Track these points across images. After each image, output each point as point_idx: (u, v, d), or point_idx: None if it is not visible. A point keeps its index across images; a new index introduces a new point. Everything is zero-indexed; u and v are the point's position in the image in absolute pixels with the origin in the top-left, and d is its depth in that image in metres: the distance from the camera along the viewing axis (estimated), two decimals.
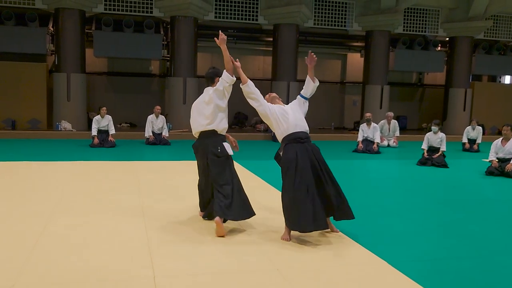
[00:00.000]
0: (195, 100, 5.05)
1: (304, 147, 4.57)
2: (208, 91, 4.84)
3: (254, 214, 4.72)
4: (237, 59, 4.86)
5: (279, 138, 4.70)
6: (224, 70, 4.77)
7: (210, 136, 4.71)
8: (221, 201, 4.49)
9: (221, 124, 4.75)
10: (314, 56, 4.84)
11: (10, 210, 5.15)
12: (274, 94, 5.25)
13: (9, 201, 5.55)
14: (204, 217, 5.04)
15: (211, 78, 4.91)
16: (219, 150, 4.64)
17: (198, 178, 4.98)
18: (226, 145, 4.76)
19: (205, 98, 4.81)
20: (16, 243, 4.04)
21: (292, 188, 4.36)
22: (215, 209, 4.51)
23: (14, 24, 13.70)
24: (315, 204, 4.30)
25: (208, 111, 4.72)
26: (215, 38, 4.75)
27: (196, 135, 4.85)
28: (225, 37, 4.70)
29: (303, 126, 4.76)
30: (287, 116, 4.72)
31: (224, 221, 4.59)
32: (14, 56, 14.26)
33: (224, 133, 4.84)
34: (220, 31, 4.87)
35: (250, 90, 4.77)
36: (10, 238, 4.19)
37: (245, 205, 4.68)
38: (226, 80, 4.74)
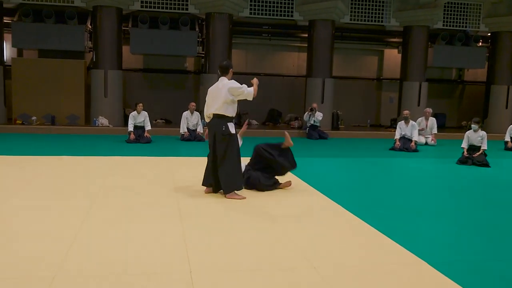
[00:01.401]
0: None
1: None
2: (223, 80, 5.68)
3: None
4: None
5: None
6: (252, 89, 5.67)
7: (219, 117, 5.64)
8: (226, 178, 5.61)
9: (228, 111, 5.65)
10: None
11: (50, 204, 5.25)
12: None
13: (48, 195, 5.67)
14: (204, 185, 5.92)
15: (226, 69, 5.74)
16: (223, 129, 5.57)
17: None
18: (230, 125, 5.64)
19: (220, 88, 5.64)
20: (56, 236, 4.10)
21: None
22: (223, 187, 5.66)
23: (54, 22, 14.05)
24: None
25: (220, 100, 5.60)
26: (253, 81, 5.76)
27: (210, 116, 5.75)
28: (257, 81, 5.77)
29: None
30: None
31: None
32: (53, 53, 14.65)
33: (232, 115, 5.71)
34: (255, 78, 5.84)
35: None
36: (51, 231, 4.26)
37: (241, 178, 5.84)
38: (247, 96, 5.66)
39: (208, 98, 5.80)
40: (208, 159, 5.87)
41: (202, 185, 5.95)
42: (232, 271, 3.47)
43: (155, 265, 3.51)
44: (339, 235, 4.42)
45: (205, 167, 5.95)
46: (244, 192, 5.86)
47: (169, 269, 3.46)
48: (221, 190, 5.77)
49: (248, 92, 5.60)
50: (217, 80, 5.83)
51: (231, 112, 5.66)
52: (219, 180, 5.69)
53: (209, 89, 5.85)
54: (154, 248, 3.87)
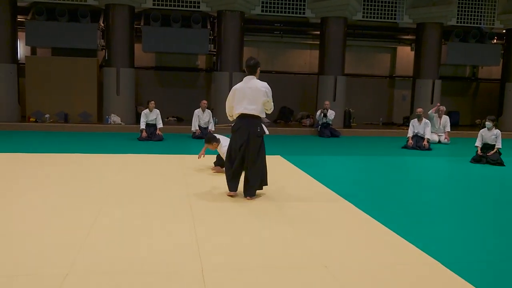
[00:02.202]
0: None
1: None
2: (254, 80, 5.47)
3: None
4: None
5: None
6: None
7: (255, 118, 5.48)
8: (255, 180, 5.47)
9: (263, 112, 5.54)
10: None
11: (62, 201, 5.29)
12: None
13: (61, 192, 5.71)
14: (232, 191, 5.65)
15: (255, 67, 5.51)
16: (259, 130, 5.44)
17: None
18: (263, 125, 5.54)
19: (258, 88, 5.43)
20: (69, 233, 4.13)
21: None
22: (249, 189, 5.49)
23: (67, 20, 14.15)
24: None
25: (260, 101, 5.42)
26: None
27: (235, 116, 5.55)
28: None
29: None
30: None
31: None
32: (66, 51, 14.75)
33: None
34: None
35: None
36: (64, 228, 4.29)
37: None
38: (270, 107, 5.55)
39: (237, 98, 5.49)
40: (231, 164, 5.54)
41: (230, 191, 5.62)
42: (243, 270, 3.46)
43: (167, 264, 3.51)
44: (350, 234, 4.39)
45: (225, 174, 5.71)
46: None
47: (181, 267, 3.46)
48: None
49: (272, 105, 5.51)
50: (238, 79, 5.76)
51: (264, 113, 5.55)
52: (246, 180, 5.52)
53: (237, 88, 5.54)
54: (166, 246, 3.88)
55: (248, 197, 5.49)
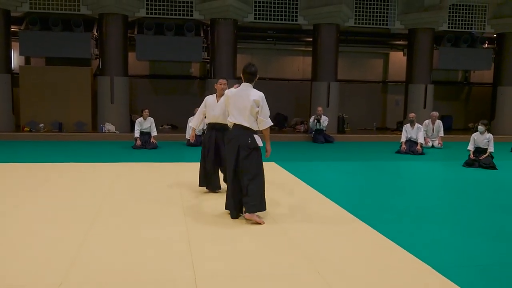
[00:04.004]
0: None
1: None
2: (250, 89, 5.02)
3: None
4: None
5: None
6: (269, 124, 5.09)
7: (244, 129, 5.01)
8: (255, 197, 4.92)
9: (254, 124, 5.04)
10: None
11: (57, 210, 5.30)
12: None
13: (55, 202, 5.72)
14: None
15: (254, 75, 5.09)
16: (249, 142, 4.95)
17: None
18: (256, 137, 5.04)
19: (249, 96, 4.97)
20: (63, 243, 4.14)
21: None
22: (249, 205, 4.92)
23: (60, 30, 14.18)
24: None
25: (247, 111, 4.97)
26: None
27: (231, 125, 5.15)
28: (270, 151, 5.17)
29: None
30: None
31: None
32: (60, 60, 14.78)
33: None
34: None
35: None
36: (57, 238, 4.30)
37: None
38: (265, 124, 5.03)
39: (230, 104, 5.10)
40: (228, 176, 5.12)
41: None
42: (237, 278, 3.48)
43: (160, 272, 3.53)
44: (343, 239, 4.42)
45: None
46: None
47: (174, 276, 3.49)
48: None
49: (265, 121, 4.99)
50: (232, 86, 5.38)
51: (255, 125, 5.04)
52: (244, 198, 4.97)
53: (229, 96, 5.13)
54: (160, 255, 3.90)
55: (245, 214, 5.01)
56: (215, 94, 6.32)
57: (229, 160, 5.04)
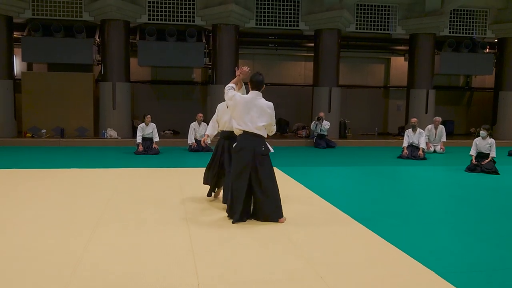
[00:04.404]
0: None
1: None
2: (260, 97, 5.20)
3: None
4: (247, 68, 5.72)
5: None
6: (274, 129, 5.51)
7: (257, 136, 5.15)
8: (275, 203, 5.13)
9: (265, 133, 5.26)
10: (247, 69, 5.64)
11: (59, 216, 5.30)
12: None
13: (57, 207, 5.72)
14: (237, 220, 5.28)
15: (261, 84, 5.29)
16: (263, 149, 5.11)
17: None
18: (268, 144, 5.24)
19: (263, 106, 5.16)
20: (65, 249, 4.14)
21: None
22: (273, 212, 5.10)
23: (62, 36, 14.24)
24: None
25: (263, 120, 5.15)
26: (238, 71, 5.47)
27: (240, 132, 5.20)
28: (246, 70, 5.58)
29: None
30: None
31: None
32: (62, 66, 14.83)
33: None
34: (246, 68, 5.68)
35: None
36: (59, 244, 4.30)
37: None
38: (271, 129, 5.38)
39: (239, 111, 5.14)
40: (237, 184, 5.12)
41: (230, 218, 5.22)
42: (240, 283, 3.47)
43: (163, 279, 3.52)
44: (345, 244, 4.41)
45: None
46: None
47: (177, 282, 3.48)
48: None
49: (275, 128, 5.41)
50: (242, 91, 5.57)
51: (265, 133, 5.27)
52: (262, 203, 5.09)
53: (240, 101, 5.16)
54: (163, 261, 3.89)
55: (280, 219, 5.12)
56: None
57: (240, 167, 5.08)
